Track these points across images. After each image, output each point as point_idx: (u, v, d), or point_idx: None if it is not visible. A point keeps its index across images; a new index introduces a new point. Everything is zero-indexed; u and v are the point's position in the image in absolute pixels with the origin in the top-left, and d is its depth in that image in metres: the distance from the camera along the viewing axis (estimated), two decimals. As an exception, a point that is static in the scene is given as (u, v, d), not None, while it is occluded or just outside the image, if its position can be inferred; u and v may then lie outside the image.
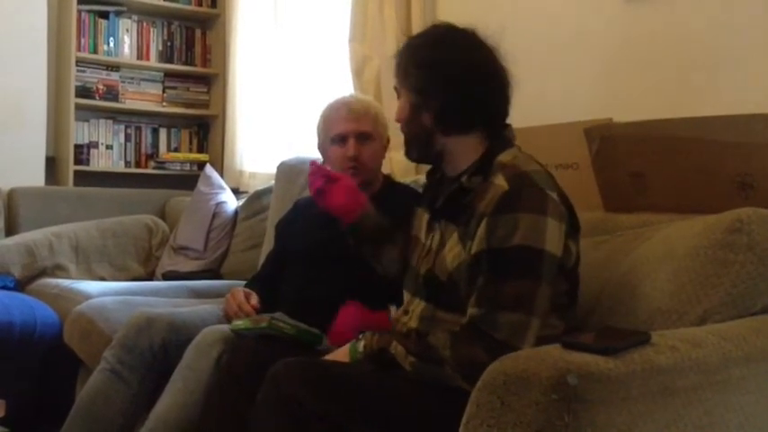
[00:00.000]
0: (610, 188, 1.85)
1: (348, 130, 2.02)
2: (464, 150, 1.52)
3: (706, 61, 1.99)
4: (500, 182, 1.42)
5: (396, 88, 1.60)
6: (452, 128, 1.52)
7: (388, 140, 2.15)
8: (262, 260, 2.44)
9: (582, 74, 2.28)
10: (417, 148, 1.58)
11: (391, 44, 2.73)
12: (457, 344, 1.35)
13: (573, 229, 1.45)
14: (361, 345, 1.49)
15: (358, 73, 2.89)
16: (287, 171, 2.86)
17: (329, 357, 1.54)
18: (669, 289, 1.40)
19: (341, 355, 1.53)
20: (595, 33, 2.26)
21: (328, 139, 2.07)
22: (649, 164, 1.74)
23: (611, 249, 1.67)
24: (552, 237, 1.37)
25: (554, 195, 1.41)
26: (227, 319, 1.98)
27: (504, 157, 1.48)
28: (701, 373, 1.13)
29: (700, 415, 1.12)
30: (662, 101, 2.06)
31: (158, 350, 1.96)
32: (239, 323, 1.80)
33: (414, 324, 1.53)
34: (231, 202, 3.27)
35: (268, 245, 2.60)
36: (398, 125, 1.61)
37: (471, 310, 1.37)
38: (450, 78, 1.50)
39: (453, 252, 1.47)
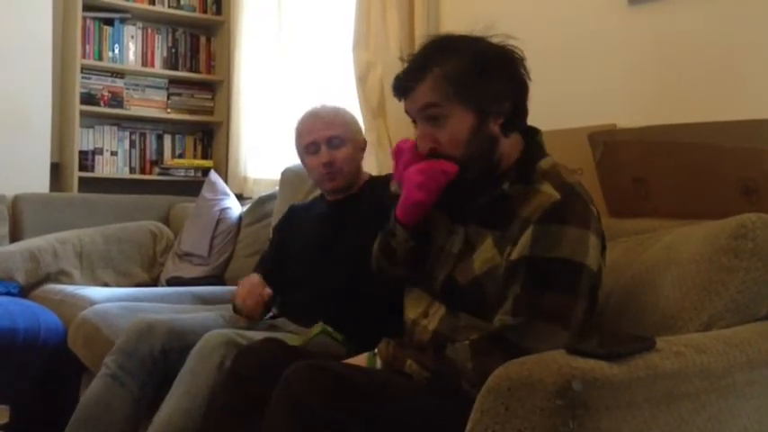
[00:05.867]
0: (614, 193, 1.84)
1: (318, 138, 2.06)
2: (509, 151, 1.51)
3: (710, 66, 1.99)
4: (548, 189, 1.41)
5: (431, 114, 1.47)
6: (518, 126, 1.51)
7: (365, 143, 2.16)
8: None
9: (586, 79, 2.28)
10: (480, 163, 1.48)
11: (395, 50, 2.73)
12: (478, 355, 1.35)
13: (603, 246, 1.45)
14: (378, 361, 1.49)
15: (362, 79, 2.90)
16: (291, 177, 2.86)
17: (348, 362, 1.53)
18: (674, 295, 1.39)
19: (359, 360, 1.52)
20: (599, 38, 2.26)
21: (303, 151, 2.11)
22: (653, 169, 1.73)
23: (616, 256, 1.66)
24: (593, 253, 1.37)
25: (595, 210, 1.42)
26: (232, 302, 2.00)
27: (544, 164, 1.48)
28: (705, 378, 1.13)
29: (704, 420, 1.11)
30: (666, 106, 2.06)
31: (159, 356, 1.96)
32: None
33: (433, 326, 1.52)
34: (235, 208, 3.28)
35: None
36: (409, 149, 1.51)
37: (504, 318, 1.36)
38: (513, 75, 1.49)
39: (484, 257, 1.45)
